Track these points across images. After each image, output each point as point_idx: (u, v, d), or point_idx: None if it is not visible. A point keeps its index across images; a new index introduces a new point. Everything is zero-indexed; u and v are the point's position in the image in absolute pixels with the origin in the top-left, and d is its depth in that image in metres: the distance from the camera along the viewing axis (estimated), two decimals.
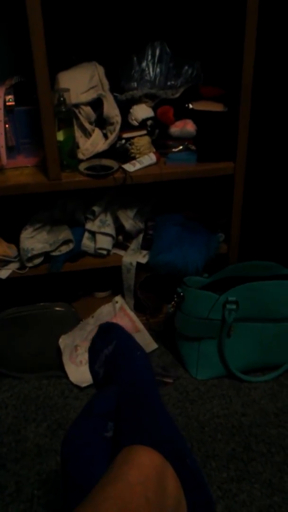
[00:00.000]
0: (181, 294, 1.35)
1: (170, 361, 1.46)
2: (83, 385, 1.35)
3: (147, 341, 1.48)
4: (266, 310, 1.33)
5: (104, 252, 1.47)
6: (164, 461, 0.55)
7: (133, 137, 1.36)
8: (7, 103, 1.29)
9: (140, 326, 1.49)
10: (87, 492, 0.52)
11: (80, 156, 1.35)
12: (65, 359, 1.38)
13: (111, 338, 0.74)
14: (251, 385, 1.37)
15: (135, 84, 1.37)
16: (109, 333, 0.76)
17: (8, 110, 1.29)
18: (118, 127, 1.33)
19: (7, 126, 1.31)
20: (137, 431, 0.58)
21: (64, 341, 1.40)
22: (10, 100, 1.29)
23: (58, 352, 1.39)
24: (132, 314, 1.50)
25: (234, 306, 1.29)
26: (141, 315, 1.54)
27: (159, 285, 1.57)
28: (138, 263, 1.46)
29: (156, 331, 1.54)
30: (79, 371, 1.36)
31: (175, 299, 1.36)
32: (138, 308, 1.55)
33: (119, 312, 1.49)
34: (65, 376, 1.38)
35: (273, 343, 1.37)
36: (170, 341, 1.49)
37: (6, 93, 1.29)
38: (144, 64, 1.37)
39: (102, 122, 1.35)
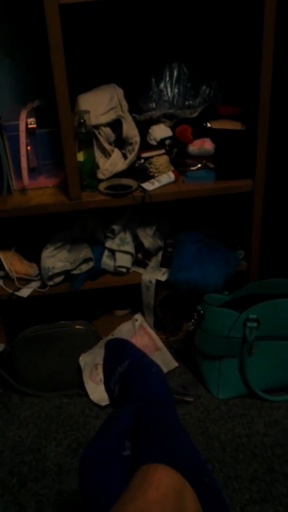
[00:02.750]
0: (201, 312, 1.34)
1: (191, 380, 1.44)
2: (103, 403, 1.34)
3: (167, 360, 1.48)
4: None
5: (124, 270, 1.47)
6: (183, 480, 0.55)
7: (152, 157, 1.38)
8: (29, 126, 1.32)
9: (160, 344, 1.48)
10: (105, 510, 0.52)
11: (100, 176, 1.37)
12: (86, 377, 1.38)
13: (124, 355, 0.74)
14: (273, 404, 1.34)
15: (154, 105, 1.39)
16: (120, 350, 0.76)
17: (30, 132, 1.33)
18: (137, 147, 1.35)
19: (28, 148, 1.34)
20: (155, 450, 0.58)
21: (84, 359, 1.40)
22: (32, 123, 1.32)
23: (79, 371, 1.40)
24: (152, 332, 1.50)
25: (255, 324, 1.28)
26: (161, 333, 1.53)
27: (179, 303, 1.56)
28: (158, 281, 1.46)
29: (176, 349, 1.53)
30: (99, 390, 1.36)
31: (195, 317, 1.36)
32: (158, 326, 1.54)
33: (139, 330, 1.49)
34: (86, 394, 1.38)
35: None
36: (190, 359, 1.48)
37: (28, 116, 1.32)
38: (162, 85, 1.39)
39: (121, 143, 1.38)
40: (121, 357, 0.75)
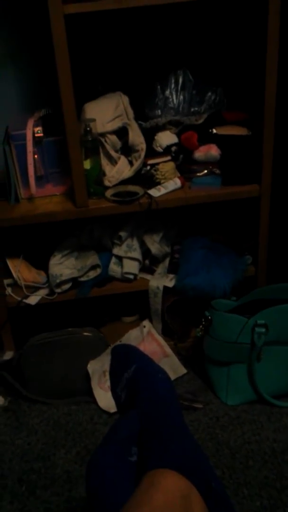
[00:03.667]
0: (209, 317, 1.34)
1: (199, 386, 1.44)
2: (112, 410, 1.34)
3: (175, 366, 1.47)
4: None
5: (131, 277, 1.48)
6: (189, 485, 0.54)
7: (158, 163, 1.39)
8: (36, 135, 1.33)
9: (169, 351, 1.48)
10: None
11: (107, 183, 1.38)
12: (94, 384, 1.38)
13: (131, 361, 0.74)
14: (283, 410, 1.33)
15: (159, 112, 1.40)
16: (127, 356, 0.76)
17: (36, 141, 1.34)
18: (143, 154, 1.35)
19: (36, 156, 1.35)
20: (162, 455, 0.58)
21: (92, 366, 1.40)
22: (39, 131, 1.33)
23: (87, 378, 1.40)
24: (160, 338, 1.49)
25: (263, 330, 1.28)
26: (169, 339, 1.53)
27: (186, 309, 1.56)
28: (165, 287, 1.46)
29: (184, 355, 1.53)
30: (107, 397, 1.36)
31: (203, 323, 1.36)
32: (166, 333, 1.54)
33: (147, 336, 1.49)
34: (94, 401, 1.38)
35: None
36: (199, 365, 1.47)
37: (35, 125, 1.34)
38: (167, 92, 1.40)
39: (127, 150, 1.38)
40: (128, 363, 0.75)
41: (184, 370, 1.48)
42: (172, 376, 1.44)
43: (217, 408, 1.36)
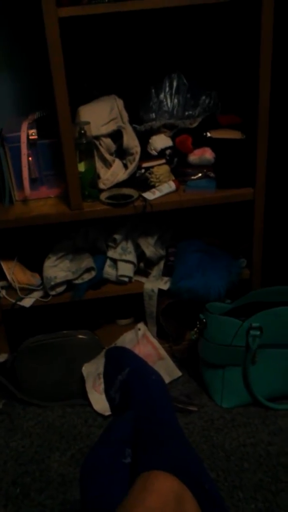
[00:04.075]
0: (204, 320, 1.34)
1: (194, 389, 1.44)
2: (107, 413, 1.34)
3: (170, 369, 1.47)
4: None
5: (126, 279, 1.48)
6: (183, 486, 0.54)
7: (152, 166, 1.39)
8: (30, 137, 1.33)
9: (164, 353, 1.48)
10: None
11: (101, 186, 1.38)
12: (89, 387, 1.38)
13: (125, 363, 0.74)
14: (278, 412, 1.34)
15: (154, 115, 1.41)
16: (121, 358, 0.76)
17: (31, 143, 1.34)
18: (137, 157, 1.36)
19: (30, 159, 1.35)
20: (155, 457, 0.58)
21: (87, 369, 1.40)
22: (33, 134, 1.34)
23: (82, 380, 1.39)
24: (155, 341, 1.49)
25: (258, 332, 1.28)
26: (164, 342, 1.53)
27: (181, 312, 1.56)
28: (160, 290, 1.46)
29: (179, 358, 1.53)
30: (102, 400, 1.35)
31: (198, 325, 1.36)
32: (161, 335, 1.54)
33: (142, 339, 1.49)
34: (89, 404, 1.38)
35: None
36: (194, 368, 1.48)
37: (29, 128, 1.34)
38: (162, 95, 1.41)
39: (122, 153, 1.39)
40: (122, 365, 0.75)
41: (179, 373, 1.48)
42: (167, 379, 1.44)
43: (212, 411, 1.36)
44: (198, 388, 1.44)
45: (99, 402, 1.36)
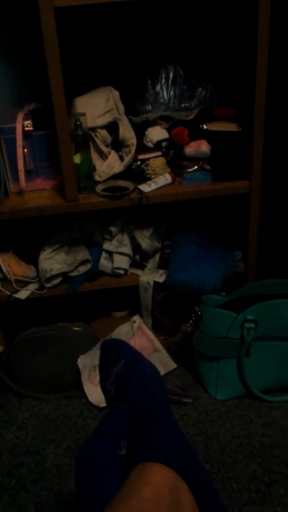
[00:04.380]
0: (199, 313, 1.34)
1: (189, 381, 1.45)
2: (102, 405, 1.34)
3: (165, 361, 1.48)
4: (285, 328, 1.31)
5: (122, 272, 1.48)
6: (177, 478, 0.55)
7: (148, 159, 1.39)
8: (26, 128, 1.32)
9: (159, 345, 1.48)
10: (101, 509, 0.52)
11: (97, 178, 1.38)
12: (84, 379, 1.38)
13: (120, 356, 0.75)
14: (272, 405, 1.35)
15: (150, 107, 1.40)
16: (116, 350, 0.76)
17: (26, 135, 1.33)
18: (133, 149, 1.35)
19: (25, 150, 1.34)
20: (150, 449, 0.58)
21: (82, 361, 1.40)
22: (28, 125, 1.33)
23: (77, 372, 1.40)
24: (150, 333, 1.50)
25: (252, 325, 1.28)
26: (159, 334, 1.54)
27: (176, 304, 1.57)
28: (156, 282, 1.46)
29: (174, 350, 1.54)
30: (97, 391, 1.35)
31: (193, 318, 1.36)
32: (156, 328, 1.54)
33: (137, 331, 1.49)
34: (84, 396, 1.38)
35: None
36: (189, 360, 1.48)
37: (25, 119, 1.33)
38: (158, 87, 1.40)
39: (118, 145, 1.38)
40: (117, 358, 0.75)
41: (174, 365, 1.48)
42: (162, 371, 1.45)
43: (207, 403, 1.37)
44: (193, 380, 1.45)
45: (95, 394, 1.36)
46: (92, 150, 1.35)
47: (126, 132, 1.35)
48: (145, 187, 1.35)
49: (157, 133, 1.40)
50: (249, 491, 1.11)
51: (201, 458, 1.20)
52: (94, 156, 1.37)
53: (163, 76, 1.39)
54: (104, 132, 1.36)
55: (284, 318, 1.30)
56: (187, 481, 0.55)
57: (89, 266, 1.45)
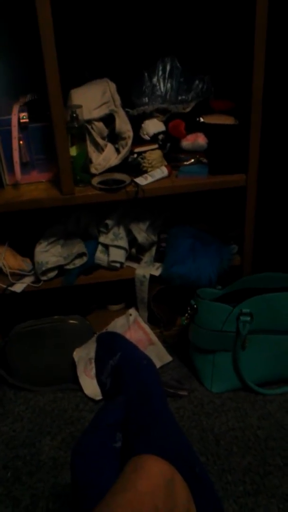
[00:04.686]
0: (195, 306, 1.34)
1: (185, 374, 1.45)
2: (98, 398, 1.35)
3: (161, 354, 1.48)
4: (281, 322, 1.32)
5: (118, 265, 1.48)
6: (173, 470, 0.55)
7: (145, 151, 1.38)
8: (21, 120, 1.31)
9: (154, 338, 1.49)
10: (97, 502, 0.52)
11: (93, 170, 1.37)
12: (80, 372, 1.39)
13: (116, 348, 0.75)
14: (267, 398, 1.35)
15: (147, 99, 1.39)
16: (112, 343, 0.76)
17: (22, 127, 1.32)
18: (130, 141, 1.34)
19: (21, 142, 1.33)
20: (146, 441, 0.58)
21: (78, 354, 1.41)
22: (24, 117, 1.32)
23: (73, 365, 1.40)
24: (146, 327, 1.50)
25: (248, 318, 1.29)
26: (155, 327, 1.54)
27: (172, 298, 1.57)
28: (151, 276, 1.47)
29: (170, 343, 1.54)
30: (93, 384, 1.36)
31: (189, 311, 1.36)
32: (152, 321, 1.55)
33: (133, 325, 1.50)
34: (80, 389, 1.38)
35: None
36: (184, 353, 1.49)
37: (20, 111, 1.32)
38: (155, 79, 1.39)
39: (114, 137, 1.37)
40: (113, 350, 0.75)
41: (169, 358, 1.49)
42: (158, 364, 1.45)
43: (202, 396, 1.37)
44: (188, 373, 1.45)
45: (90, 386, 1.37)
46: (88, 142, 1.35)
47: (123, 124, 1.34)
48: (141, 180, 1.35)
49: (153, 126, 1.39)
50: (244, 483, 1.12)
51: (197, 451, 1.21)
52: (90, 148, 1.36)
53: (160, 68, 1.39)
54: (100, 125, 1.35)
55: (279, 312, 1.31)
56: (182, 473, 0.56)
57: (85, 259, 1.44)
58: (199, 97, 1.42)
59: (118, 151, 1.38)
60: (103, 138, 1.37)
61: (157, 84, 1.39)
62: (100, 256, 1.48)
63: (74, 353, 1.41)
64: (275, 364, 1.36)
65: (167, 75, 1.39)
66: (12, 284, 1.44)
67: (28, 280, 1.45)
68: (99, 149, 1.37)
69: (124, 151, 1.35)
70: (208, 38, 1.46)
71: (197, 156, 1.40)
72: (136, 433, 0.61)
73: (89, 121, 1.33)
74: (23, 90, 1.42)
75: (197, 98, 1.42)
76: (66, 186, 1.32)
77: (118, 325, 1.52)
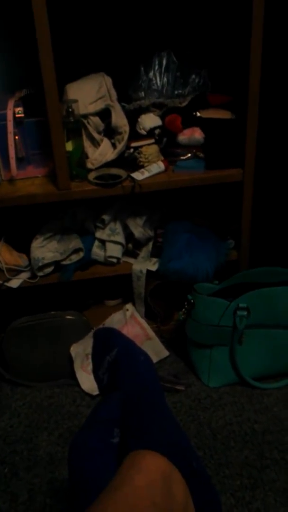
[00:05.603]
0: (192, 301, 1.34)
1: (182, 369, 1.45)
2: (95, 393, 1.35)
3: (158, 349, 1.48)
4: (277, 316, 1.32)
5: (114, 260, 1.47)
6: (170, 465, 0.55)
7: (141, 146, 1.37)
8: (17, 115, 1.31)
9: (151, 333, 1.49)
10: (94, 497, 0.52)
11: (89, 165, 1.37)
12: (77, 367, 1.39)
13: (113, 344, 0.75)
14: (264, 392, 1.36)
15: (143, 94, 1.39)
16: (109, 339, 0.76)
17: (17, 122, 1.31)
18: (126, 136, 1.34)
19: (16, 137, 1.33)
20: (143, 436, 0.58)
21: (75, 350, 1.41)
22: (20, 112, 1.31)
23: (70, 361, 1.40)
24: (143, 322, 1.50)
25: (245, 313, 1.29)
26: (152, 322, 1.54)
27: (169, 293, 1.57)
28: (148, 271, 1.46)
29: (167, 338, 1.54)
30: (90, 379, 1.36)
31: (186, 306, 1.36)
32: (149, 316, 1.55)
33: (130, 320, 1.50)
34: (77, 384, 1.38)
35: (285, 350, 1.36)
36: (181, 348, 1.49)
37: (16, 105, 1.31)
38: (151, 73, 1.38)
39: (110, 132, 1.37)
40: (110, 346, 0.75)
41: (166, 353, 1.49)
42: (155, 359, 1.45)
43: (199, 390, 1.38)
44: (185, 367, 1.45)
45: (87, 382, 1.37)
46: (84, 137, 1.34)
47: (119, 119, 1.33)
48: (138, 175, 1.34)
49: (150, 120, 1.39)
50: (241, 476, 1.13)
51: (194, 445, 1.21)
52: (87, 143, 1.36)
53: (156, 62, 1.38)
54: (96, 119, 1.34)
55: (276, 306, 1.31)
56: (180, 468, 0.56)
57: (81, 254, 1.44)
58: (196, 91, 1.42)
59: (114, 146, 1.37)
60: (99, 133, 1.36)
61: (154, 78, 1.39)
62: (96, 251, 1.47)
63: (71, 348, 1.41)
64: (272, 358, 1.37)
65: (163, 70, 1.39)
66: (8, 280, 1.43)
67: (24, 276, 1.45)
68: (95, 144, 1.37)
69: (120, 146, 1.34)
70: (204, 32, 1.45)
71: (194, 151, 1.40)
72: (133, 429, 0.61)
73: (85, 116, 1.33)
74: (18, 85, 1.41)
75: (193, 92, 1.42)
76: (62, 181, 1.31)
77: (115, 320, 1.52)
